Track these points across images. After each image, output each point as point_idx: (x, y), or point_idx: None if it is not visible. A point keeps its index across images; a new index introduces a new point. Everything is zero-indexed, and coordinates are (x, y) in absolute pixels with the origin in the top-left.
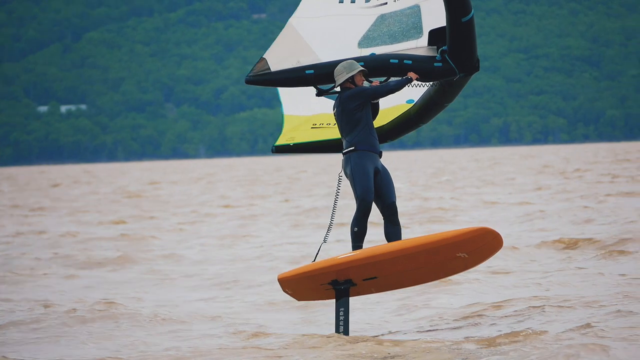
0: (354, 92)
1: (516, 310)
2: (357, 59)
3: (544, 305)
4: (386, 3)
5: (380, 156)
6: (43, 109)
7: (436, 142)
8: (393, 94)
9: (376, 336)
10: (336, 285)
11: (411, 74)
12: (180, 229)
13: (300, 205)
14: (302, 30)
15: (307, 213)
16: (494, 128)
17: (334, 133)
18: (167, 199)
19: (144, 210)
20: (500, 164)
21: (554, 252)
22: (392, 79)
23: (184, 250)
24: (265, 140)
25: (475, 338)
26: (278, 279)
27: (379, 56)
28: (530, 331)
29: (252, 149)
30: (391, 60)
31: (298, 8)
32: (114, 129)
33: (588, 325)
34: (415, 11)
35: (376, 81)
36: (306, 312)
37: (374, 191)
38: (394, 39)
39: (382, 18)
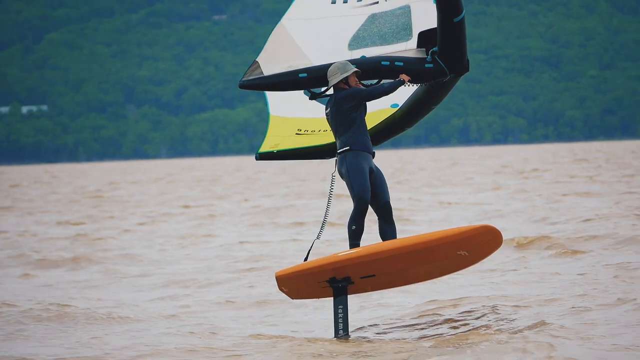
0: (350, 93)
1: (472, 309)
2: (349, 62)
3: (499, 304)
4: (377, 2)
5: (373, 156)
6: (4, 109)
7: (396, 143)
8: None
9: (334, 336)
10: (334, 283)
11: (403, 76)
12: (138, 229)
13: (259, 205)
14: (294, 32)
15: (266, 213)
16: (453, 128)
17: (318, 139)
18: (127, 199)
19: (103, 211)
20: (459, 164)
21: (510, 251)
22: (384, 81)
23: (142, 250)
24: (226, 140)
25: (430, 336)
26: (276, 277)
27: (370, 58)
28: (485, 329)
29: (213, 149)
30: (382, 62)
31: (290, 9)
32: (75, 129)
33: (542, 323)
34: (406, 12)
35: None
36: (265, 311)
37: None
38: (384, 40)
39: (373, 17)
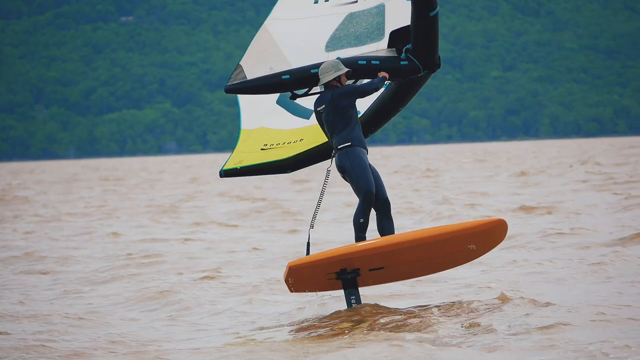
0: (348, 90)
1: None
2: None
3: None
4: (356, 1)
5: (367, 153)
6: None
7: None
8: None
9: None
10: (343, 274)
11: (382, 73)
12: (36, 230)
13: (159, 204)
14: (275, 34)
15: (166, 210)
16: None
17: (281, 153)
18: (31, 199)
19: (8, 210)
20: None
21: None
22: (363, 80)
23: (38, 247)
24: (134, 141)
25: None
26: (289, 267)
27: (348, 59)
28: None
29: (121, 149)
30: (359, 62)
31: (274, 9)
32: None
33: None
34: (380, 11)
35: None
36: (159, 305)
37: None
38: (359, 40)
39: (351, 17)
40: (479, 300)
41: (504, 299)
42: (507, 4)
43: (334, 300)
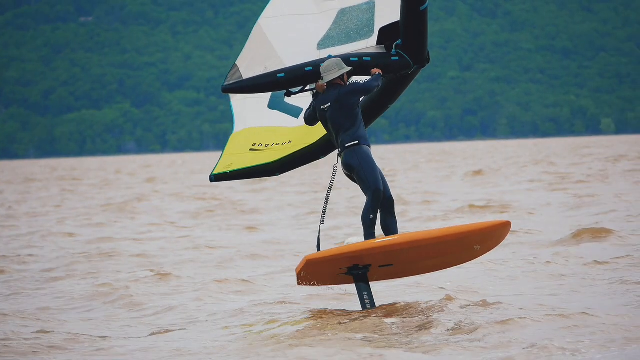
0: (354, 88)
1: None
2: (320, 61)
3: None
4: None
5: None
6: None
7: None
8: None
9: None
10: (354, 270)
11: (377, 70)
12: None
13: (113, 203)
14: (269, 32)
15: (121, 209)
16: None
17: (269, 156)
18: None
19: None
20: (316, 166)
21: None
22: (357, 77)
23: None
24: (93, 141)
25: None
26: (306, 260)
27: (339, 56)
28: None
29: (81, 149)
30: (351, 59)
31: (267, 7)
32: None
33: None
34: (371, 7)
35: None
36: (112, 303)
37: None
38: (349, 38)
39: (342, 13)
40: (429, 301)
41: (452, 299)
42: (465, 5)
43: (287, 300)
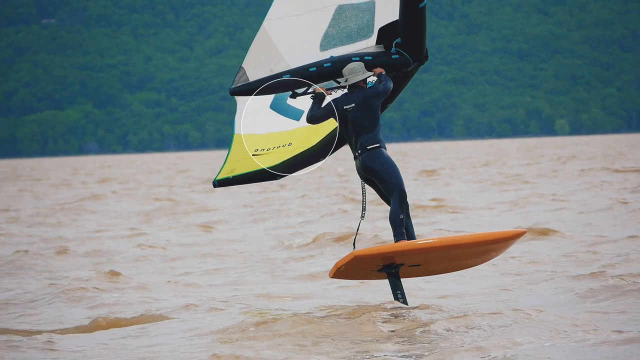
0: (379, 91)
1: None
2: (323, 62)
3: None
4: None
5: None
6: None
7: (220, 143)
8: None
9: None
10: (388, 268)
11: (380, 70)
12: None
13: (68, 203)
14: (273, 34)
15: (76, 209)
16: None
17: (271, 160)
18: None
19: None
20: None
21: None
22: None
23: None
24: (55, 141)
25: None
26: (354, 256)
27: (342, 57)
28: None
29: (43, 150)
30: (353, 59)
31: (270, 9)
32: None
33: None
34: (371, 7)
35: (322, 87)
36: (63, 302)
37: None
38: (350, 38)
39: (340, 9)
40: (382, 304)
41: (392, 301)
42: None
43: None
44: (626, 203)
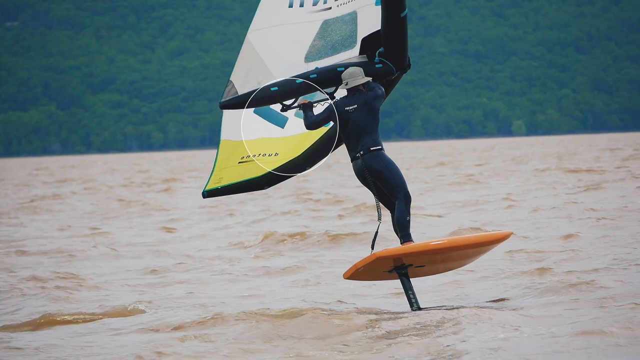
0: (380, 94)
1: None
2: (309, 73)
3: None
4: (330, 8)
5: None
6: None
7: (182, 144)
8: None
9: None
10: (400, 269)
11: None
12: None
13: (26, 202)
14: (257, 45)
15: (33, 209)
16: None
17: (258, 169)
18: None
19: None
20: None
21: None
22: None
23: None
24: (19, 142)
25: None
26: (377, 257)
27: (328, 67)
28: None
29: (7, 150)
30: (338, 69)
31: (253, 20)
32: None
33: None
34: (353, 18)
35: (305, 100)
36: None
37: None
38: (335, 49)
39: (325, 24)
40: (325, 309)
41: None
42: None
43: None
44: (576, 203)
